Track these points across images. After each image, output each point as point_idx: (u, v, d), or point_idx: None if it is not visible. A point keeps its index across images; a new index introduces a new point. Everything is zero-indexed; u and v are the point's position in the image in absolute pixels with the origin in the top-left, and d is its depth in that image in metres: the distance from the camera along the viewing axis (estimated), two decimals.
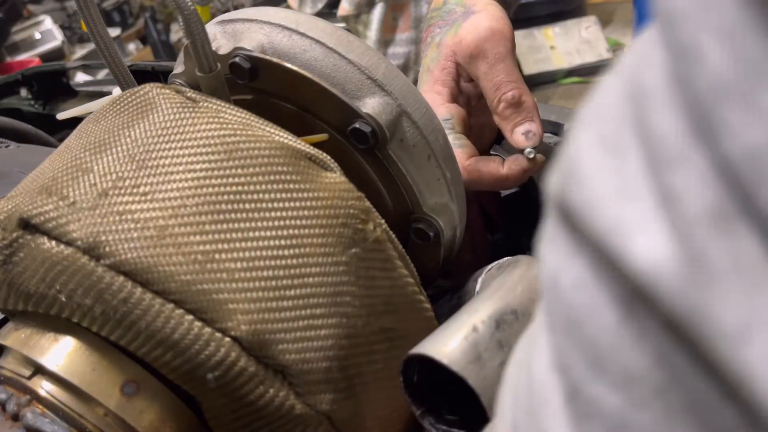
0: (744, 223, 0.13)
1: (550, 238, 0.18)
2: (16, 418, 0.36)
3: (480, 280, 0.47)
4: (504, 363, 0.36)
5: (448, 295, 0.54)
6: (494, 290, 0.42)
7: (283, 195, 0.38)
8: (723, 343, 0.13)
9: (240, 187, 0.37)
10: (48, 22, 3.11)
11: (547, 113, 0.66)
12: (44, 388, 0.36)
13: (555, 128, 0.66)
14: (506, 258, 0.49)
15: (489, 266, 0.48)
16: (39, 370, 0.36)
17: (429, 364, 0.36)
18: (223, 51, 0.45)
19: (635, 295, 0.15)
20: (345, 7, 2.23)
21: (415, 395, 0.38)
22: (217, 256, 0.35)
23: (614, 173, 0.15)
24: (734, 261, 0.13)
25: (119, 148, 0.38)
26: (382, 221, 0.41)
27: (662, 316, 0.14)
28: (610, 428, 0.16)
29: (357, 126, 0.44)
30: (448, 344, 0.36)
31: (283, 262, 0.36)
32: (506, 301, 0.40)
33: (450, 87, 0.58)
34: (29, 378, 0.36)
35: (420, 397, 0.38)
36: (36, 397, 0.36)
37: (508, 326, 0.38)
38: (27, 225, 0.35)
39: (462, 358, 0.36)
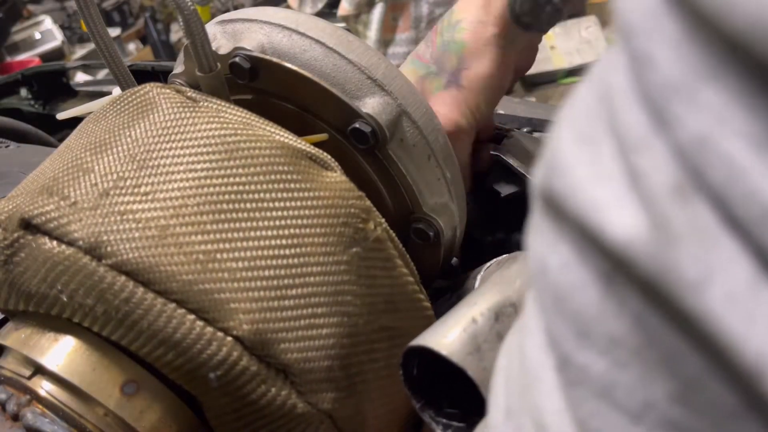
0: (698, 194, 0.15)
1: (537, 227, 0.20)
2: (16, 418, 0.36)
3: (479, 277, 0.47)
4: None
5: (447, 294, 0.54)
6: (493, 284, 0.42)
7: (284, 194, 0.38)
8: (687, 292, 0.15)
9: (241, 187, 0.37)
10: (48, 22, 3.11)
11: (547, 113, 0.66)
12: (44, 388, 0.36)
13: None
14: (505, 255, 0.49)
15: (488, 263, 0.48)
16: (39, 370, 0.36)
17: (429, 356, 0.36)
18: (223, 51, 0.45)
19: (614, 268, 0.17)
20: (345, 7, 2.23)
21: (415, 388, 0.38)
22: (218, 255, 0.35)
23: (589, 161, 0.17)
24: (692, 225, 0.15)
25: (120, 148, 0.38)
26: (383, 220, 0.41)
27: (637, 282, 0.16)
28: (598, 390, 0.18)
29: (357, 126, 0.44)
30: (448, 336, 0.36)
31: (285, 261, 0.36)
32: (505, 294, 0.40)
33: None
34: (29, 378, 0.36)
35: (420, 390, 0.38)
36: (36, 397, 0.36)
37: (507, 318, 0.38)
38: (28, 225, 0.35)
39: (461, 349, 0.36)
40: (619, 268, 0.17)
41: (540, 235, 0.20)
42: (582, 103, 0.19)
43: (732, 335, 0.14)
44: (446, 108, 0.55)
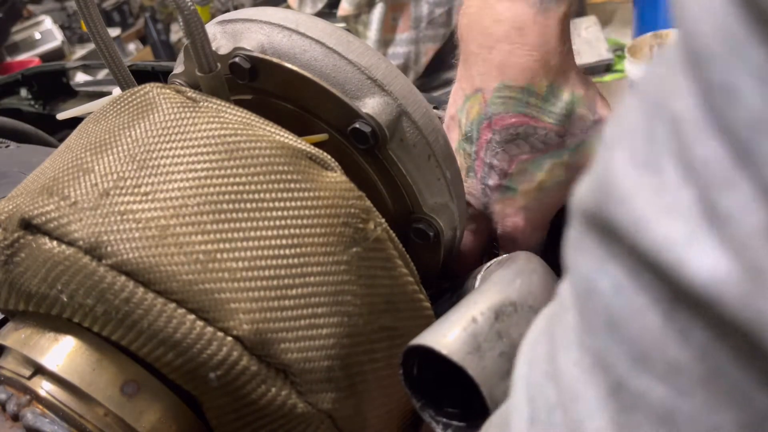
0: None
1: (580, 245, 0.20)
2: (16, 418, 0.36)
3: (479, 277, 0.47)
4: (503, 353, 0.37)
5: (447, 294, 0.54)
6: (493, 283, 0.42)
7: (284, 194, 0.38)
8: None
9: (241, 187, 0.37)
10: (48, 22, 3.11)
11: None
12: (44, 388, 0.36)
13: None
14: (505, 255, 0.49)
15: (488, 263, 0.48)
16: (39, 370, 0.36)
17: (429, 355, 0.36)
18: (223, 51, 0.45)
19: (679, 298, 0.17)
20: (345, 7, 2.23)
21: (415, 388, 0.38)
22: (218, 255, 0.35)
23: (653, 189, 0.17)
24: None
25: (120, 148, 0.38)
26: (383, 220, 0.41)
27: (715, 319, 0.16)
28: (656, 417, 0.18)
29: (357, 126, 0.44)
30: (448, 335, 0.36)
31: (285, 261, 0.36)
32: (505, 293, 0.40)
33: None
34: (29, 378, 0.36)
35: (420, 389, 0.38)
36: (36, 397, 0.36)
37: (507, 318, 0.38)
38: (28, 225, 0.35)
39: (461, 348, 0.36)
40: (685, 300, 0.16)
41: (585, 254, 0.19)
42: (636, 124, 0.18)
43: None
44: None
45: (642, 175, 0.17)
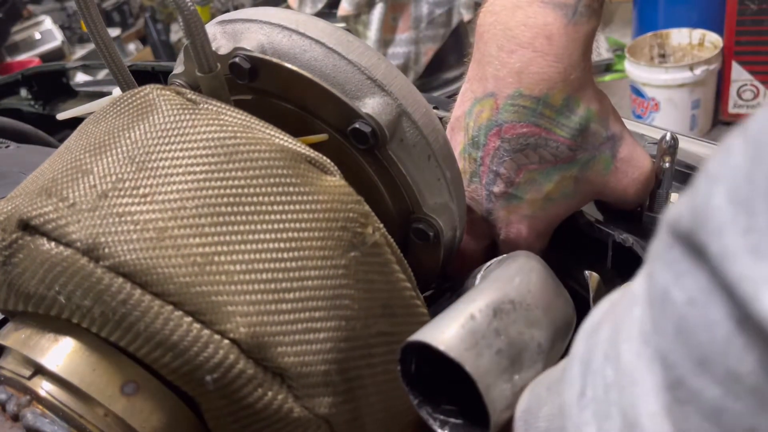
0: None
1: (663, 256, 0.23)
2: (16, 418, 0.36)
3: (479, 276, 0.47)
4: (501, 351, 0.37)
5: (447, 294, 0.54)
6: (492, 281, 0.42)
7: (283, 198, 0.38)
8: None
9: (240, 190, 0.37)
10: (48, 22, 3.12)
11: None
12: (44, 388, 0.36)
13: None
14: (505, 254, 0.49)
15: (489, 262, 0.48)
16: (39, 371, 0.36)
17: (427, 352, 0.36)
18: (223, 51, 0.45)
19: (746, 321, 0.19)
20: (345, 7, 2.23)
21: (413, 384, 0.38)
22: (216, 258, 0.35)
23: (745, 229, 0.19)
24: None
25: (119, 150, 0.38)
26: (381, 225, 0.41)
27: None
28: (706, 412, 0.21)
29: (357, 126, 0.44)
30: (446, 332, 0.36)
31: (283, 264, 0.36)
32: (504, 291, 0.40)
33: None
34: (29, 378, 0.36)
35: (418, 386, 0.38)
36: (36, 398, 0.36)
37: (506, 315, 0.38)
38: (27, 226, 0.35)
39: (459, 345, 0.36)
40: (752, 326, 0.19)
41: (666, 264, 0.22)
42: (738, 163, 0.20)
43: None
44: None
45: (737, 212, 0.20)
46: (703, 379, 0.21)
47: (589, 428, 0.26)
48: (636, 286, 0.26)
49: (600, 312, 0.31)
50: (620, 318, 0.26)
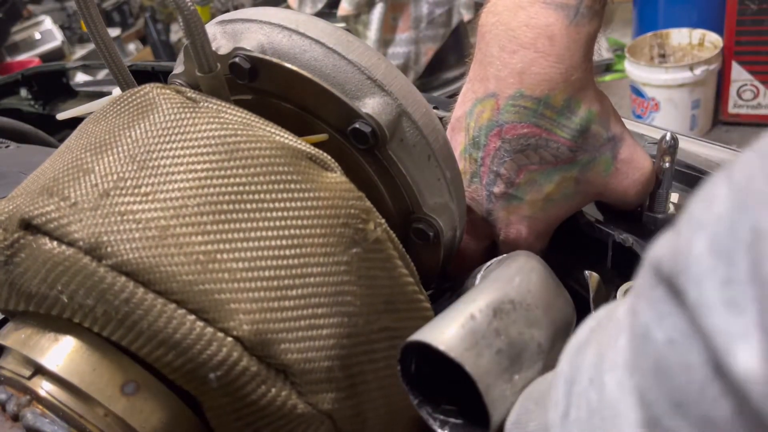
0: None
1: (647, 296, 0.23)
2: (16, 418, 0.36)
3: (479, 276, 0.47)
4: (501, 351, 0.37)
5: (447, 294, 0.54)
6: (492, 281, 0.42)
7: (284, 195, 0.38)
8: None
9: (241, 188, 0.37)
10: (48, 22, 3.12)
11: None
12: (44, 388, 0.36)
13: None
14: (505, 254, 0.49)
15: (489, 262, 0.48)
16: (39, 371, 0.36)
17: (427, 351, 0.36)
18: (223, 51, 0.45)
19: (720, 371, 0.19)
20: (345, 7, 2.23)
21: (413, 384, 0.38)
22: (218, 256, 0.35)
23: (723, 281, 0.19)
24: None
25: (120, 149, 0.38)
26: (383, 221, 0.41)
27: (740, 396, 0.19)
28: None
29: (357, 126, 0.44)
30: (446, 332, 0.36)
31: (285, 261, 0.36)
32: (504, 291, 0.40)
33: None
34: (29, 378, 0.36)
35: (418, 385, 0.38)
36: (36, 398, 0.36)
37: (506, 315, 0.38)
38: (28, 226, 0.35)
39: (459, 345, 0.36)
40: (725, 376, 0.19)
41: (649, 303, 0.22)
42: (721, 211, 0.20)
43: None
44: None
45: (717, 263, 0.20)
46: (678, 420, 0.21)
47: None
48: (621, 315, 0.26)
49: (586, 330, 0.31)
50: (605, 344, 0.26)
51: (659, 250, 0.23)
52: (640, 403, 0.23)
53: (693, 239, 0.21)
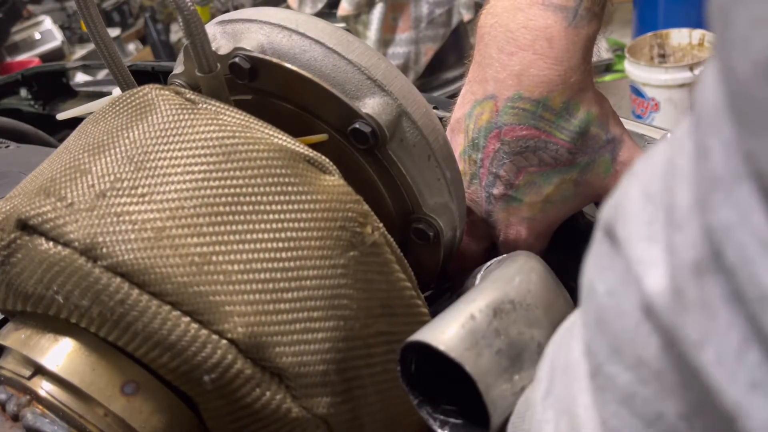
0: (711, 272, 0.18)
1: (594, 253, 0.24)
2: (16, 418, 0.36)
3: (479, 276, 0.47)
4: (501, 351, 0.37)
5: (447, 294, 0.54)
6: (492, 281, 0.42)
7: (282, 198, 0.38)
8: (689, 348, 0.19)
9: (238, 190, 0.37)
10: (48, 22, 3.11)
11: None
12: (44, 388, 0.36)
13: None
14: (505, 255, 0.49)
15: (489, 263, 0.48)
16: (39, 371, 0.36)
17: (427, 352, 0.36)
18: (222, 51, 0.45)
19: (645, 307, 0.21)
20: (345, 7, 2.23)
21: (413, 384, 0.38)
22: (214, 258, 0.35)
23: (647, 220, 0.21)
24: (700, 297, 0.19)
25: (118, 150, 0.38)
26: (380, 224, 0.41)
27: (658, 325, 0.20)
28: (620, 397, 0.22)
29: (357, 126, 0.44)
30: (446, 332, 0.36)
31: (281, 264, 0.36)
32: (504, 291, 0.40)
33: None
34: (29, 378, 0.36)
35: (417, 386, 0.38)
36: (36, 398, 0.36)
37: (506, 315, 0.38)
38: (25, 226, 0.35)
39: (459, 345, 0.36)
40: (647, 311, 0.21)
41: (595, 259, 0.24)
42: (655, 164, 0.22)
43: (719, 387, 0.18)
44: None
45: (645, 206, 0.21)
46: (616, 366, 0.22)
47: (548, 426, 0.28)
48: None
49: (569, 320, 0.32)
50: (575, 319, 0.28)
51: (606, 207, 0.24)
52: (587, 354, 0.24)
53: (629, 188, 0.22)
